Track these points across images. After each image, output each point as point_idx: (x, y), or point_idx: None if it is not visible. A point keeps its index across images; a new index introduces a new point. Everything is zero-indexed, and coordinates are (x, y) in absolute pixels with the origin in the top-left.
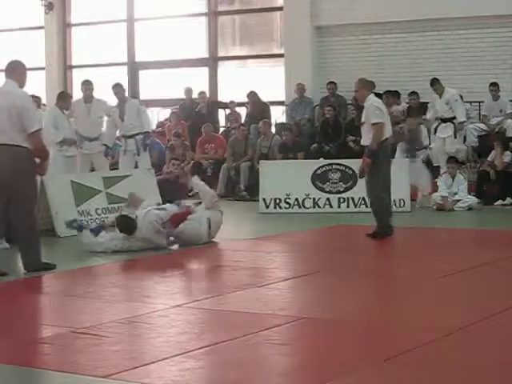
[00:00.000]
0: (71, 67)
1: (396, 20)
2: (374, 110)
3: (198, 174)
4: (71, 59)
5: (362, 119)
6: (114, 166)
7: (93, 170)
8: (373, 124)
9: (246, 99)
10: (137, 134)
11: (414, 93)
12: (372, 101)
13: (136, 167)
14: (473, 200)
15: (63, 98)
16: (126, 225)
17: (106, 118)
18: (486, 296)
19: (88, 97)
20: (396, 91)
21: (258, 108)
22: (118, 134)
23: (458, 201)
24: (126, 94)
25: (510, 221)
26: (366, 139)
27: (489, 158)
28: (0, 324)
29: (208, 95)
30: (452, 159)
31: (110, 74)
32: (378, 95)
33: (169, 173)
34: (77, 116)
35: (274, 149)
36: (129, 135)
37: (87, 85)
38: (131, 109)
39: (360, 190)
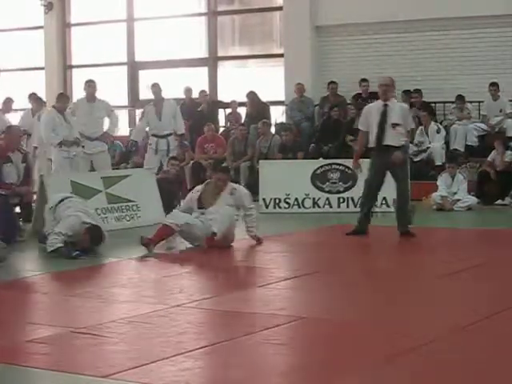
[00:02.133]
0: (71, 67)
1: (396, 20)
2: (410, 115)
3: (197, 173)
4: (71, 59)
5: (394, 120)
6: (114, 166)
7: (92, 169)
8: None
9: (245, 99)
10: (169, 135)
11: (417, 90)
12: (401, 104)
13: (161, 167)
14: (472, 200)
15: (61, 100)
16: (97, 235)
17: (106, 119)
18: (486, 296)
19: (91, 96)
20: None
21: (258, 108)
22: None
23: (458, 200)
24: (126, 94)
25: (509, 220)
26: (396, 140)
27: (489, 158)
28: None
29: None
30: (452, 159)
31: (110, 74)
32: (376, 95)
33: (167, 172)
34: (79, 115)
35: (274, 149)
36: (162, 135)
37: (91, 84)
38: (169, 109)
39: (360, 189)
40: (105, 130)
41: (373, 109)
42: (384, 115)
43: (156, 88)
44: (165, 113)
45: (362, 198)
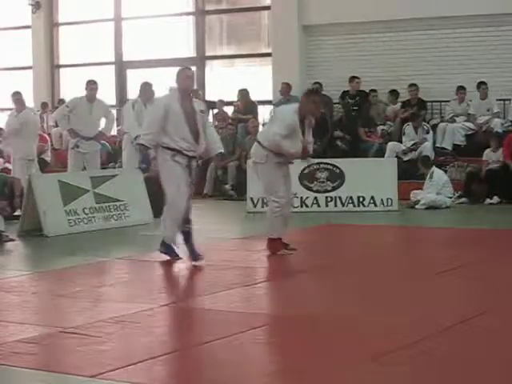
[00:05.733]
0: (58, 66)
1: (383, 19)
2: None
3: None
4: (58, 58)
5: None
6: (103, 166)
7: (84, 168)
8: None
9: (233, 98)
10: None
11: (413, 84)
12: None
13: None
14: (445, 200)
15: None
16: None
17: (103, 119)
18: (474, 295)
19: (92, 96)
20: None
21: (247, 107)
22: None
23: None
24: (114, 93)
25: (496, 220)
26: None
27: (484, 157)
28: None
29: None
30: (425, 158)
31: (98, 74)
32: (363, 93)
33: (153, 171)
34: (78, 114)
35: None
36: None
37: (92, 84)
38: None
39: (348, 189)
40: (99, 130)
41: None
42: None
43: (148, 87)
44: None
45: None
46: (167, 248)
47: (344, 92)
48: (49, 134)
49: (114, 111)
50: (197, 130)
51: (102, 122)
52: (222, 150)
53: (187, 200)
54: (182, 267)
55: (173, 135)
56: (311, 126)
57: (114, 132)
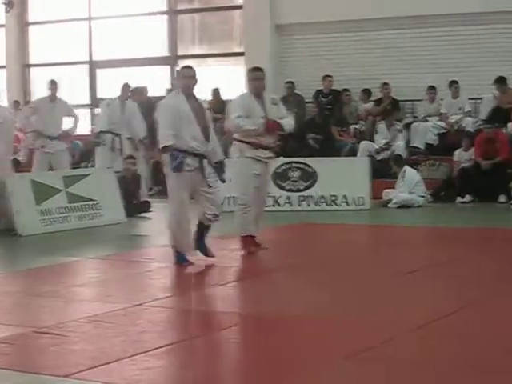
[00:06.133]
0: (30, 66)
1: (355, 19)
2: None
3: (156, 173)
4: (31, 58)
5: None
6: (74, 165)
7: (51, 169)
8: None
9: (205, 97)
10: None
11: (386, 83)
12: None
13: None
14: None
15: None
16: None
17: (66, 118)
18: (447, 294)
19: (53, 96)
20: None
21: (217, 106)
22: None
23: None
24: (87, 93)
25: (469, 218)
26: None
27: (455, 158)
28: None
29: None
30: (397, 157)
31: (71, 73)
32: (336, 92)
33: (126, 170)
34: (41, 114)
35: None
36: (119, 133)
37: (52, 84)
38: (130, 109)
39: (320, 188)
40: (64, 130)
41: None
42: None
43: (127, 87)
44: (127, 113)
45: None
46: (180, 258)
47: (317, 91)
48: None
49: (86, 111)
50: (207, 128)
51: (71, 122)
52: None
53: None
54: (155, 267)
55: (184, 135)
56: (275, 103)
57: (87, 131)
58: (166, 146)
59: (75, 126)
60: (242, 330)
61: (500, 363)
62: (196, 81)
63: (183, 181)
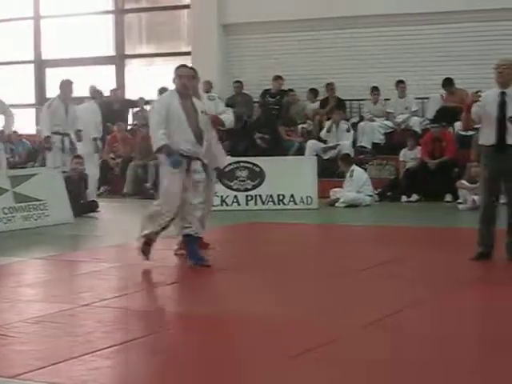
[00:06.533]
0: None
1: (301, 18)
2: None
3: (105, 172)
4: None
5: None
6: (21, 165)
7: None
8: None
9: (153, 97)
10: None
11: (330, 83)
12: None
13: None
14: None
15: None
16: None
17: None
18: (393, 293)
19: None
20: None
21: None
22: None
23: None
24: (33, 92)
25: (416, 217)
26: None
27: (401, 158)
28: None
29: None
30: (345, 156)
31: (17, 72)
32: (284, 92)
33: (73, 170)
34: None
35: None
36: (67, 133)
37: None
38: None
39: (268, 187)
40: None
41: (490, 97)
42: (502, 106)
43: (66, 85)
44: (71, 111)
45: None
46: (193, 254)
47: (265, 91)
48: None
49: (32, 110)
50: (200, 131)
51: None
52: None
53: (201, 204)
54: (102, 267)
55: (174, 137)
56: (212, 98)
57: (33, 131)
58: (160, 147)
59: (8, 125)
60: (188, 329)
61: (442, 359)
62: (197, 81)
63: (178, 181)
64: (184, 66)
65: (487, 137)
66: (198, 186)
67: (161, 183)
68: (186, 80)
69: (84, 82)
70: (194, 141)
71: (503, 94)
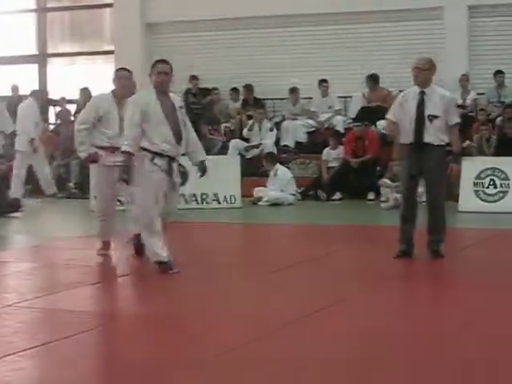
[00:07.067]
0: None
1: (228, 17)
2: (455, 106)
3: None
4: None
5: (432, 112)
6: None
7: None
8: (454, 124)
9: (75, 97)
10: None
11: (248, 85)
12: (444, 91)
13: None
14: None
15: None
16: None
17: None
18: (316, 291)
19: None
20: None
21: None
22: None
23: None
24: None
25: (338, 216)
26: (439, 138)
27: (324, 157)
28: None
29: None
30: (270, 155)
31: None
32: (206, 91)
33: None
34: None
35: None
36: None
37: None
38: None
39: (191, 186)
40: None
41: (409, 96)
42: (421, 105)
43: None
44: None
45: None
46: (161, 264)
47: (187, 90)
48: None
49: None
50: (179, 130)
51: None
52: (205, 159)
53: (169, 205)
54: (24, 267)
55: (152, 137)
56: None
57: None
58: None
59: None
60: (112, 329)
61: (369, 357)
62: (171, 77)
63: (157, 178)
64: (162, 61)
65: (406, 135)
66: (176, 187)
67: (138, 185)
68: (163, 77)
69: (5, 81)
70: (174, 141)
71: (422, 93)
